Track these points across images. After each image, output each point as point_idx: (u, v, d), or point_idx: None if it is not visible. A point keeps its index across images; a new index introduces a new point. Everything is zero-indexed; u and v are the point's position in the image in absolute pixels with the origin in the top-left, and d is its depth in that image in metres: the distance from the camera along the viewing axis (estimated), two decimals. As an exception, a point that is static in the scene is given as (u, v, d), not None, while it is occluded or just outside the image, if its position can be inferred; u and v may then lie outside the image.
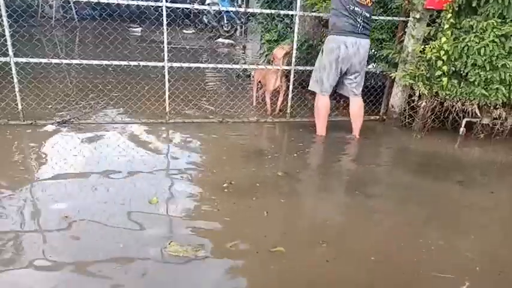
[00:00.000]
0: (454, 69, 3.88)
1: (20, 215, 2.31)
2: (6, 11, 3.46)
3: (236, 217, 2.46)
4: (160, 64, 4.07)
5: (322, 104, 3.84)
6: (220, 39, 11.21)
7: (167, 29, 3.89)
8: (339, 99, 5.04)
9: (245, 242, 2.21)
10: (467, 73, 3.84)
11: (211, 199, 2.64)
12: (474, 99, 3.93)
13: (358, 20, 3.54)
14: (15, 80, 3.68)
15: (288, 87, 4.43)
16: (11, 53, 3.57)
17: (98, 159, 3.14)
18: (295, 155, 3.56)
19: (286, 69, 4.41)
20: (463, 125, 4.23)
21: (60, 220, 2.28)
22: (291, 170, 3.26)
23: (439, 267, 2.10)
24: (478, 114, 4.09)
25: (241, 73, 6.53)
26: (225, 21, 11.79)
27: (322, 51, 3.70)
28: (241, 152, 3.49)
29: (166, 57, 3.96)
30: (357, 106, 3.95)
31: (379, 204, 2.79)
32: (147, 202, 2.53)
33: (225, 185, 2.81)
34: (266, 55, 5.67)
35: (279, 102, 4.64)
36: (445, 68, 3.84)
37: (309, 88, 3.97)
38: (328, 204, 2.83)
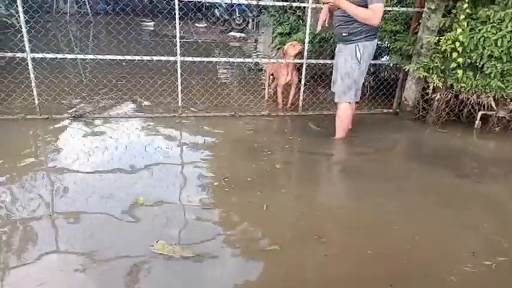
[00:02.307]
0: (469, 61, 3.81)
1: (12, 205, 2.38)
2: (23, 7, 3.53)
3: (234, 212, 2.43)
4: (172, 58, 4.10)
5: (350, 111, 3.67)
6: (232, 33, 11.20)
7: (179, 23, 3.91)
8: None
9: (242, 238, 2.18)
10: (483, 65, 3.77)
11: (212, 194, 2.63)
12: (490, 91, 3.86)
13: None
14: (32, 76, 3.75)
15: (299, 81, 4.42)
16: (27, 48, 3.64)
17: (108, 153, 3.19)
18: (303, 148, 3.57)
19: (298, 63, 4.39)
20: (478, 118, 4.16)
21: (48, 214, 2.31)
22: (299, 163, 3.27)
23: (436, 258, 2.10)
24: (494, 106, 4.02)
25: (253, 67, 6.53)
26: (237, 15, 11.77)
27: (359, 60, 3.38)
28: (250, 146, 3.50)
29: (178, 52, 3.99)
30: None
31: (380, 196, 2.76)
32: (142, 197, 2.51)
33: (227, 180, 2.81)
34: (278, 48, 5.66)
35: (290, 96, 4.63)
36: (460, 59, 3.77)
37: (347, 101, 3.57)
38: (329, 197, 2.83)
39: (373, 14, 3.15)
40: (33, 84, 3.79)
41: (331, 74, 3.77)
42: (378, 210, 2.58)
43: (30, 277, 1.84)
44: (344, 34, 3.38)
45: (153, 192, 2.61)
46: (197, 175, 2.90)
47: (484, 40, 3.66)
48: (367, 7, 3.14)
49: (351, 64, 3.42)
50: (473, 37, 3.70)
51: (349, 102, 3.62)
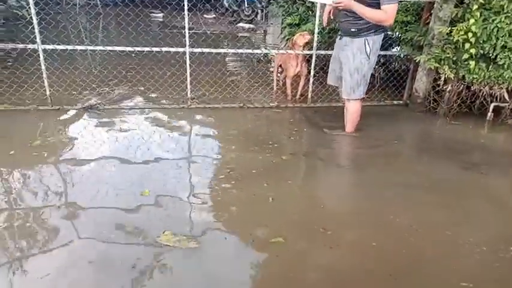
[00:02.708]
0: (482, 52, 3.75)
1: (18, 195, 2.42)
2: (33, -1, 3.56)
3: (240, 204, 2.43)
4: (181, 50, 4.11)
5: (360, 105, 3.57)
6: (241, 24, 11.15)
7: (188, 14, 3.90)
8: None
9: (247, 230, 2.17)
10: (496, 56, 3.71)
11: (218, 186, 2.63)
12: (503, 83, 3.80)
13: None
14: (43, 67, 3.80)
15: (309, 72, 4.39)
16: (38, 40, 3.68)
17: (117, 144, 3.23)
18: (311, 140, 3.57)
19: (307, 54, 4.36)
20: (490, 110, 4.10)
21: (57, 206, 2.33)
22: (306, 155, 3.27)
23: (440, 252, 2.10)
24: (507, 98, 3.96)
25: (262, 58, 6.50)
26: (246, 5, 11.68)
27: (368, 54, 3.29)
28: (258, 137, 3.50)
29: (187, 43, 3.99)
30: None
31: (386, 188, 2.75)
32: (148, 190, 2.52)
33: (233, 171, 2.82)
34: (287, 39, 5.62)
35: (299, 88, 4.61)
36: (472, 50, 3.71)
37: (356, 98, 3.48)
38: (335, 190, 2.83)
39: (386, 16, 3.05)
40: (44, 75, 3.83)
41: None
42: (384, 202, 2.57)
43: (38, 266, 1.87)
44: (353, 30, 3.27)
45: (159, 184, 2.63)
46: (204, 167, 2.92)
47: (498, 31, 3.60)
48: (379, 5, 3.04)
49: (360, 59, 3.31)
50: (486, 27, 3.63)
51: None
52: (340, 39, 3.49)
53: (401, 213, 2.45)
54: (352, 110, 3.59)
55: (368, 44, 3.26)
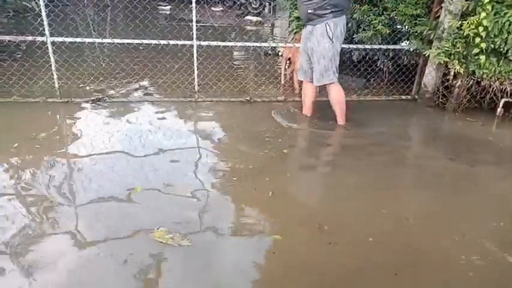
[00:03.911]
0: (493, 46, 3.69)
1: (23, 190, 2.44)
2: (42, -9, 3.57)
3: (240, 200, 2.40)
4: (189, 43, 4.11)
5: (341, 91, 3.58)
6: (248, 17, 11.09)
7: (196, 7, 3.89)
8: (368, 79, 4.96)
9: (244, 227, 2.14)
10: (507, 50, 3.65)
11: (219, 182, 2.60)
12: (514, 78, 3.75)
13: None
14: (52, 59, 3.82)
15: (316, 66, 4.36)
16: (47, 32, 3.70)
17: (121, 136, 3.23)
18: (316, 134, 3.55)
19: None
20: (500, 105, 4.05)
21: (50, 200, 2.30)
22: (308, 149, 3.26)
23: (435, 247, 2.09)
24: (518, 94, 3.91)
25: (269, 51, 6.47)
26: (254, -2, 11.62)
27: (331, 38, 3.35)
28: (264, 131, 3.48)
29: (195, 36, 3.98)
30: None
31: (386, 183, 2.73)
32: (140, 186, 2.47)
33: (236, 166, 2.79)
34: (295, 32, 5.58)
35: (307, 81, 4.58)
36: (483, 45, 3.65)
37: (327, 83, 3.54)
38: (334, 184, 2.80)
39: None
40: (53, 67, 3.85)
41: (348, 60, 3.71)
42: (382, 197, 2.55)
43: (30, 255, 1.86)
44: (310, 11, 3.36)
45: (157, 179, 2.59)
46: (205, 162, 2.89)
47: (510, 24, 3.53)
48: None
49: (323, 44, 3.39)
50: (497, 21, 3.57)
51: (337, 82, 3.54)
52: (305, 27, 3.57)
53: (398, 207, 2.43)
54: (335, 100, 3.60)
55: (329, 27, 3.34)
